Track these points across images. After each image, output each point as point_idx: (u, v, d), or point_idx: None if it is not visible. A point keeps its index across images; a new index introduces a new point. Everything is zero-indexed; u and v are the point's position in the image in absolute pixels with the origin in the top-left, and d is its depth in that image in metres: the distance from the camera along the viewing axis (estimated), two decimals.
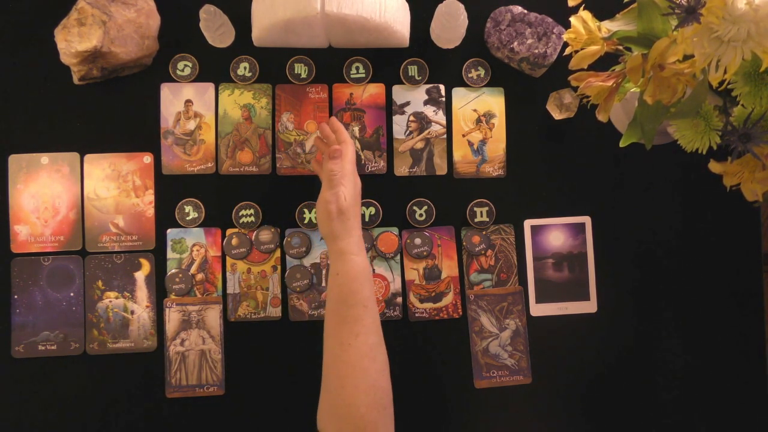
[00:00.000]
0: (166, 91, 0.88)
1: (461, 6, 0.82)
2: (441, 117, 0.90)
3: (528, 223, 0.89)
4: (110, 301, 0.85)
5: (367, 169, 0.88)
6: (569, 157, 0.90)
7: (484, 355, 0.87)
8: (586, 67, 0.65)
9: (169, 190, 0.87)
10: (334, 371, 0.69)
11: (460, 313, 0.87)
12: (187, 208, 0.86)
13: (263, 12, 0.82)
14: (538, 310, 0.88)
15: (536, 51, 0.85)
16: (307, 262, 0.87)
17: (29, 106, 0.86)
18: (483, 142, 0.90)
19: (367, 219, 0.87)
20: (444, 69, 0.90)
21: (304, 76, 0.88)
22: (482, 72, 0.90)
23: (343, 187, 0.74)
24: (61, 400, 0.84)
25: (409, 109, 0.89)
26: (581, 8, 0.66)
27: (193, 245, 0.86)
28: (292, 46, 0.88)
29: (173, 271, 0.85)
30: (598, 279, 0.89)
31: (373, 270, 0.87)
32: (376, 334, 0.70)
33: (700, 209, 0.90)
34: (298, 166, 0.88)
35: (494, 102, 0.90)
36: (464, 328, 0.87)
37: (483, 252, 0.88)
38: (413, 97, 0.89)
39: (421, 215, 0.88)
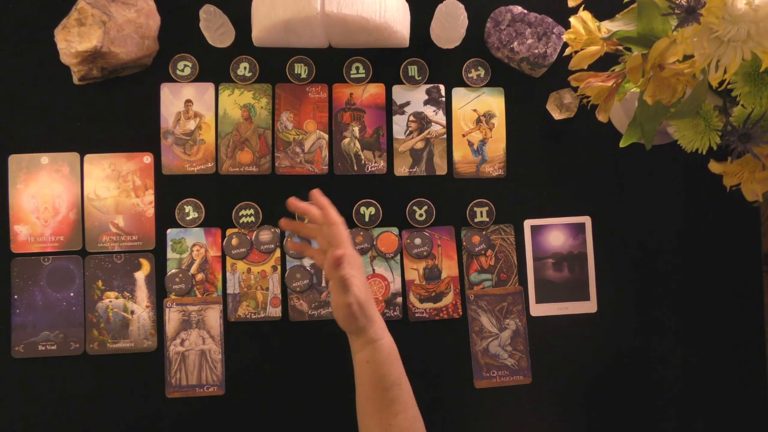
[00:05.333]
0: (166, 91, 0.88)
1: (461, 6, 0.82)
2: (441, 117, 0.89)
3: (528, 223, 0.89)
4: (110, 301, 0.85)
5: (367, 169, 0.88)
6: (569, 157, 0.90)
7: (484, 355, 0.87)
8: (586, 68, 0.65)
9: (169, 190, 0.87)
10: None
11: (460, 313, 0.87)
12: (187, 208, 0.86)
13: (263, 12, 0.82)
14: (538, 310, 0.88)
15: (536, 51, 0.85)
16: (307, 262, 0.87)
17: (29, 106, 0.86)
18: (483, 142, 0.90)
19: (367, 219, 0.87)
20: (444, 69, 0.90)
21: (304, 76, 0.88)
22: (482, 72, 0.90)
23: (356, 280, 0.69)
24: (61, 400, 0.84)
25: (409, 109, 0.89)
26: (581, 8, 0.66)
27: (193, 245, 0.86)
28: (292, 46, 0.88)
29: (173, 271, 0.85)
30: (598, 279, 0.89)
31: (373, 270, 0.87)
32: (413, 407, 0.70)
33: (700, 209, 0.90)
34: (297, 165, 0.88)
35: (494, 102, 0.90)
36: (464, 328, 0.87)
37: (483, 252, 0.88)
38: (413, 97, 0.89)
39: (421, 215, 0.88)
